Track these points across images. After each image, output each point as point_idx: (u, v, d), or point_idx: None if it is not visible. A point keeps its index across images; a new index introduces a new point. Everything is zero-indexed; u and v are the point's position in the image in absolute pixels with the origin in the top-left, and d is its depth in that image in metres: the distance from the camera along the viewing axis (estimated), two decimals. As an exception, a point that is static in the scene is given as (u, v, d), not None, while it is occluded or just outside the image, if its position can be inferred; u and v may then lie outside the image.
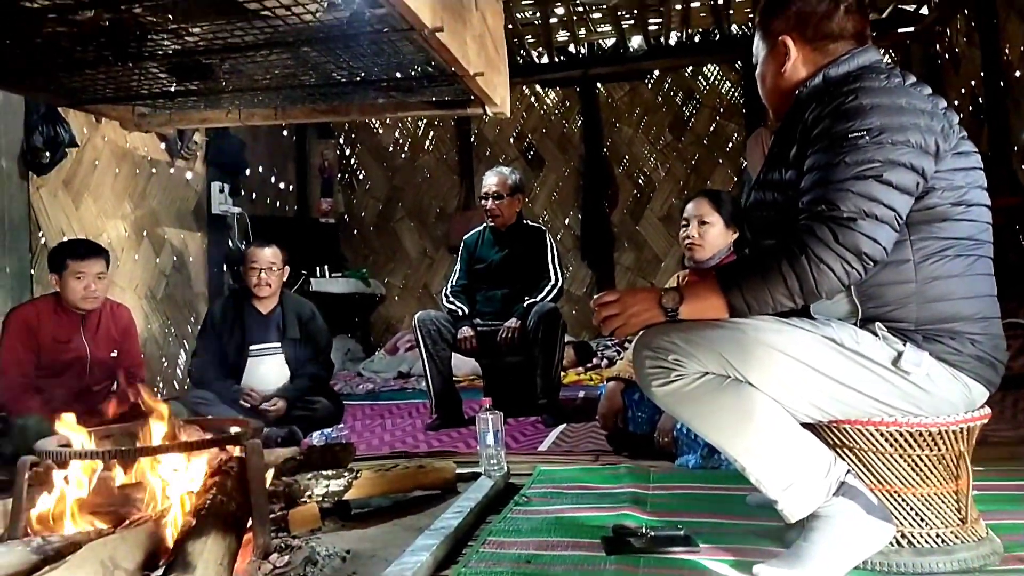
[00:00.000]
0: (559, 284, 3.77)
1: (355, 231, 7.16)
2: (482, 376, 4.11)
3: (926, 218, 1.44)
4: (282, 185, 6.75)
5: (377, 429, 3.72)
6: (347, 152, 7.23)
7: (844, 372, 1.43)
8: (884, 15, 5.68)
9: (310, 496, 1.93)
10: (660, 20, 5.95)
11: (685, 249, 2.71)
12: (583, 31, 6.23)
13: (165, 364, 4.95)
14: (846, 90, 1.46)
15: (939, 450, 1.47)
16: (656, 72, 6.55)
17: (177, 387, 4.93)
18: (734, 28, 6.07)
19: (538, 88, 6.80)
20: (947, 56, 5.48)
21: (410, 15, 1.86)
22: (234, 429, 1.84)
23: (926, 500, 1.48)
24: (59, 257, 3.01)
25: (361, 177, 7.23)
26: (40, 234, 3.92)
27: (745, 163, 5.68)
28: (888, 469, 1.49)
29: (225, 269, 5.36)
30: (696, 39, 6.27)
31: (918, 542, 1.47)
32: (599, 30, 6.24)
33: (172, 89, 2.52)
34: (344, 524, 1.92)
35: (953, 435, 1.46)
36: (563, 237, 6.55)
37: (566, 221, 6.73)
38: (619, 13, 5.82)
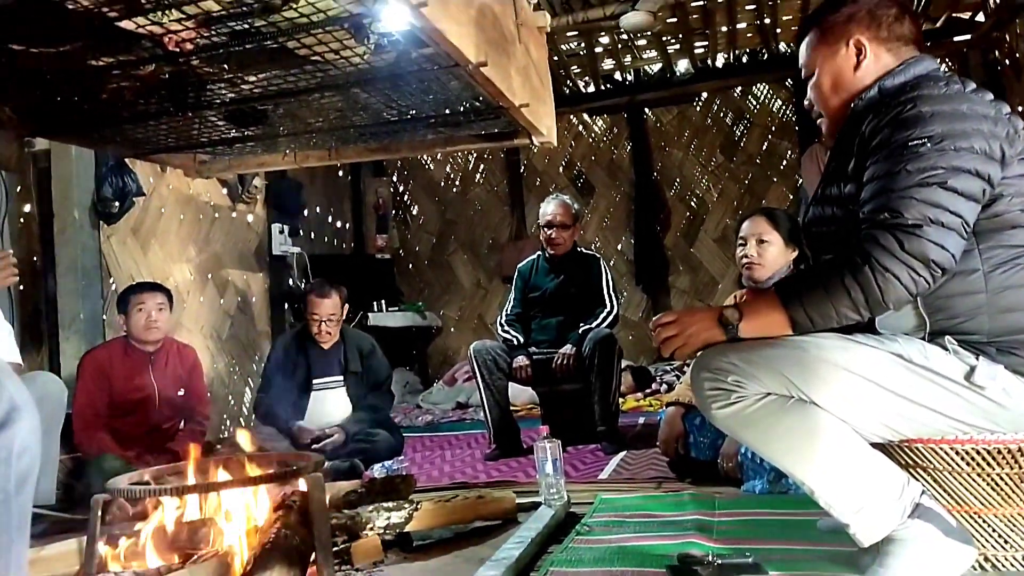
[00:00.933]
0: (615, 311, 3.75)
1: (410, 265, 7.27)
2: (539, 404, 4.08)
3: (995, 226, 1.39)
4: (339, 223, 6.91)
5: (437, 460, 3.72)
6: (400, 188, 7.37)
7: (914, 389, 1.38)
8: (938, 24, 5.54)
9: (372, 528, 1.93)
10: (706, 43, 5.93)
11: (743, 269, 2.65)
12: (628, 58, 6.25)
13: (232, 402, 5.08)
14: (904, 99, 1.43)
15: (1021, 468, 1.39)
16: (704, 94, 6.52)
17: (243, 424, 5.04)
18: (782, 46, 6.00)
19: (585, 117, 6.83)
20: (1007, 62, 5.30)
21: (455, 52, 1.89)
22: (296, 463, 1.87)
23: (1010, 521, 1.40)
24: (123, 296, 3.21)
25: (415, 212, 7.35)
26: (111, 280, 4.09)
27: (800, 181, 5.58)
28: (966, 489, 1.42)
29: (286, 308, 5.51)
30: (744, 59, 6.23)
31: (1003, 565, 1.39)
32: (645, 56, 6.25)
33: (230, 136, 2.62)
34: (406, 556, 1.92)
35: (1036, 452, 1.39)
36: (616, 263, 6.51)
37: (619, 247, 6.69)
38: (664, 38, 5.82)
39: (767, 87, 6.39)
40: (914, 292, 1.33)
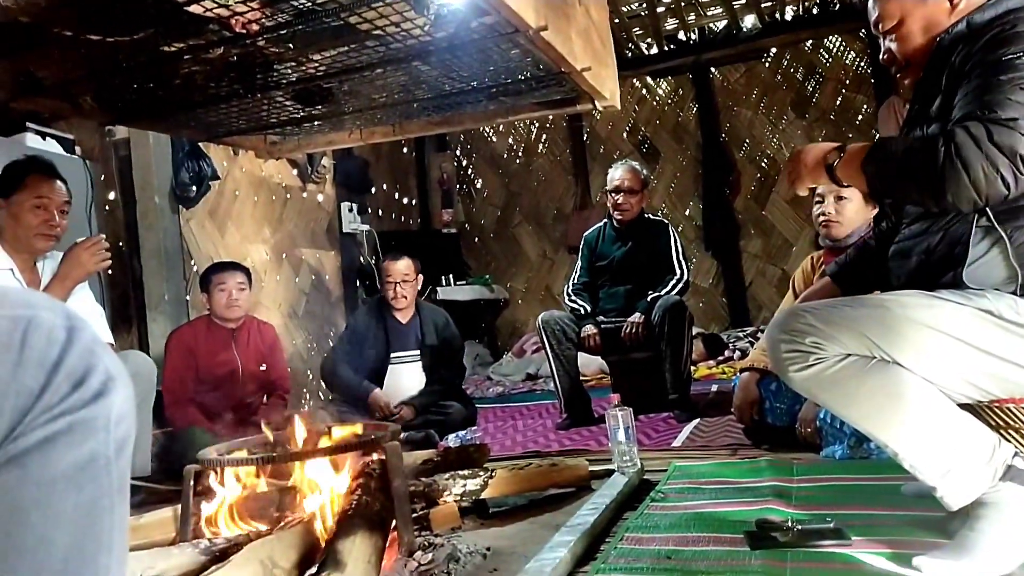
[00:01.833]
0: (685, 278, 3.69)
1: (476, 239, 7.31)
2: (609, 374, 4.08)
3: None
4: (405, 200, 6.99)
5: (509, 430, 3.76)
6: (464, 163, 7.40)
7: (1004, 346, 1.32)
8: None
9: (449, 495, 1.98)
10: (773, -4, 5.71)
11: (820, 227, 2.57)
12: (692, 16, 6.08)
13: (310, 376, 5.24)
14: (998, 25, 1.38)
15: (1125, 428, 1.32)
16: (773, 50, 6.29)
17: (322, 397, 5.21)
18: (855, -6, 5.73)
19: (649, 79, 6.69)
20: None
21: (514, 17, 1.87)
22: (375, 433, 1.92)
23: (1112, 484, 1.33)
24: (205, 277, 3.34)
25: (479, 185, 7.37)
26: (192, 262, 4.25)
27: (878, 135, 5.34)
28: (1065, 451, 1.35)
29: (358, 284, 5.64)
30: (814, 11, 5.97)
31: (1106, 530, 1.32)
32: (709, 13, 6.07)
33: (298, 115, 2.67)
34: (483, 522, 1.96)
35: None
36: (684, 228, 6.40)
37: (686, 212, 6.57)
38: (729, -7, 5.64)
39: (839, 39, 6.11)
40: (984, 190, 1.25)
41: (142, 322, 3.93)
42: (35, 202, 2.36)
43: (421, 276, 3.63)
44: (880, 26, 1.59)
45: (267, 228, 5.00)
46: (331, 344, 5.32)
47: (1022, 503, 1.26)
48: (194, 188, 4.03)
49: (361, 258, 5.68)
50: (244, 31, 1.82)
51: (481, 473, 2.04)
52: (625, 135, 6.78)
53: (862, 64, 6.04)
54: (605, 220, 3.96)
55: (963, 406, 1.37)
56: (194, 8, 1.70)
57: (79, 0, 1.64)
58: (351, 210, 5.63)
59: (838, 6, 5.84)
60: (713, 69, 6.45)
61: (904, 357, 1.34)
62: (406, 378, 3.52)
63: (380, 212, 6.50)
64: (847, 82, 6.09)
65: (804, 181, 1.52)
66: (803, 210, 5.85)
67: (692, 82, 6.49)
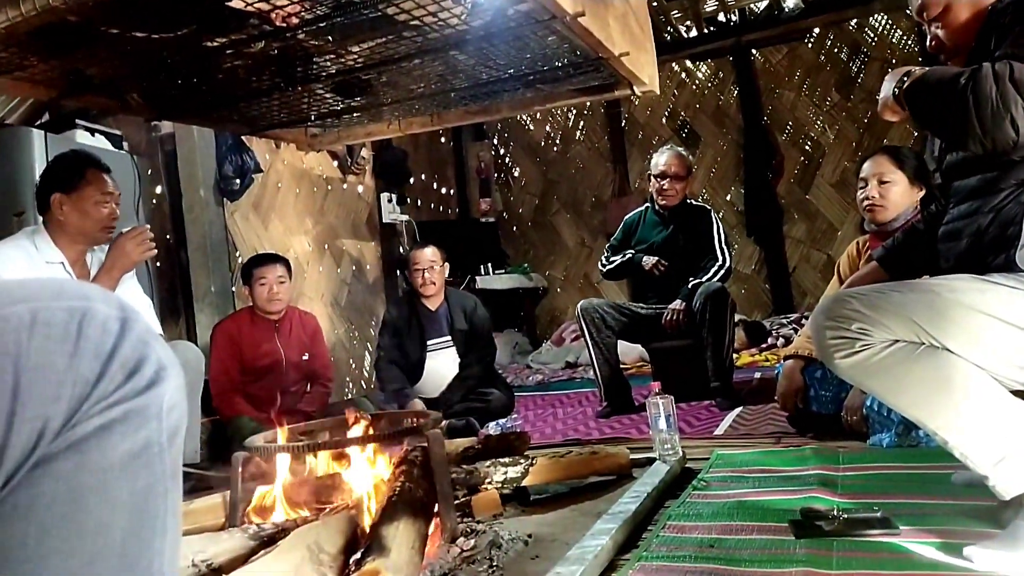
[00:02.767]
0: (727, 264, 3.64)
1: (514, 227, 7.31)
2: (650, 361, 4.05)
3: None
4: (443, 190, 7.03)
5: (549, 418, 3.77)
6: (501, 152, 7.40)
7: (1060, 332, 1.27)
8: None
9: (490, 483, 1.99)
10: (816, -26, 5.58)
11: (865, 212, 2.51)
12: (732, -3, 5.97)
13: (352, 365, 5.32)
14: None
15: None
16: (816, 30, 6.15)
17: (364, 386, 5.28)
18: (902, -30, 5.56)
19: (688, 63, 6.60)
20: None
21: (551, 4, 1.86)
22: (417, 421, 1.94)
23: None
24: (246, 269, 3.39)
25: (516, 174, 7.37)
26: (237, 254, 4.33)
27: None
28: (1126, 439, 1.30)
29: (398, 274, 5.69)
30: (859, -12, 5.82)
31: None
32: (749, -6, 5.95)
33: (338, 107, 2.69)
34: (524, 509, 1.97)
35: None
36: (725, 214, 6.31)
37: (727, 197, 6.47)
38: (770, -27, 5.52)
39: (885, 17, 5.95)
40: (989, 129, 1.24)
41: (189, 313, 4.03)
42: (100, 196, 2.43)
43: (448, 264, 3.65)
44: (925, 14, 1.55)
45: (309, 220, 5.07)
46: (372, 333, 5.40)
47: (1079, 493, 1.23)
48: (238, 181, 4.11)
49: (401, 248, 5.73)
50: (284, 24, 1.84)
51: (522, 461, 2.05)
52: (664, 120, 6.71)
53: (909, 42, 5.87)
54: (646, 205, 3.92)
55: (1016, 393, 1.33)
56: (235, 3, 1.72)
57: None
58: (390, 201, 5.68)
59: (884, -17, 5.68)
60: (754, 51, 6.33)
61: (954, 343, 1.31)
62: (442, 364, 3.56)
63: (419, 202, 6.54)
64: (893, 61, 5.92)
65: (885, 106, 1.48)
66: (848, 193, 5.72)
67: (733, 65, 6.38)
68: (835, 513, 1.59)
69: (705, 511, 1.78)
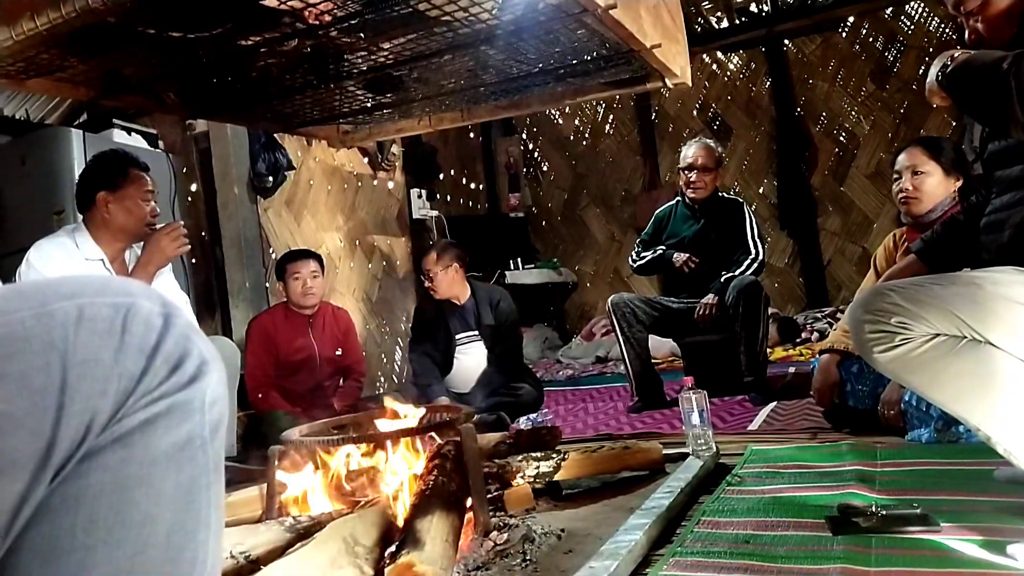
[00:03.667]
0: (761, 257, 3.60)
1: (543, 222, 7.30)
2: (681, 356, 4.02)
3: None
4: (472, 185, 7.04)
5: (580, 413, 3.76)
6: (530, 146, 7.39)
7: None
8: None
9: (522, 477, 1.99)
10: (851, -39, 5.47)
11: (900, 205, 2.47)
12: (764, -13, 5.89)
13: (384, 360, 5.36)
14: None
15: None
16: (851, 19, 6.03)
17: (396, 380, 5.32)
18: (940, -44, 5.43)
19: (719, 54, 6.52)
20: None
21: (582, -3, 1.85)
22: (450, 415, 1.95)
23: None
24: (280, 265, 3.42)
25: (545, 169, 7.35)
26: (271, 250, 4.39)
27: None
28: None
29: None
30: (894, -25, 5.70)
31: None
32: (782, -17, 5.86)
33: (369, 104, 2.71)
34: (556, 504, 1.97)
35: None
36: (758, 207, 6.23)
37: (760, 190, 6.39)
38: (803, -39, 5.43)
39: (921, 4, 5.82)
40: (1020, 118, 1.20)
41: (224, 309, 4.09)
42: (142, 194, 2.47)
43: (457, 264, 3.54)
44: (962, 7, 1.51)
45: (340, 216, 5.12)
46: (403, 329, 5.43)
47: None
48: (271, 178, 4.16)
49: (431, 243, 5.75)
50: (317, 22, 1.86)
51: (554, 455, 2.05)
52: (695, 112, 6.64)
53: (946, 30, 5.73)
54: (677, 198, 3.89)
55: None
56: (269, 2, 1.74)
57: (161, -1, 1.70)
58: (420, 196, 5.71)
59: (921, -31, 5.56)
60: (787, 41, 6.24)
61: (997, 336, 1.28)
62: (472, 359, 3.56)
63: (448, 198, 6.56)
64: (931, 50, 5.79)
65: (931, 91, 1.46)
66: (884, 185, 5.62)
67: (765, 55, 6.29)
68: (873, 509, 1.56)
69: (740, 507, 1.76)
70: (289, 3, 1.76)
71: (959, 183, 2.39)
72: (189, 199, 4.12)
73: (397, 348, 5.47)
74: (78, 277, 0.61)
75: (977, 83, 1.30)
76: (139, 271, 2.45)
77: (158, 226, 2.51)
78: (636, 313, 3.60)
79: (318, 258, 3.46)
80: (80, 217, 2.53)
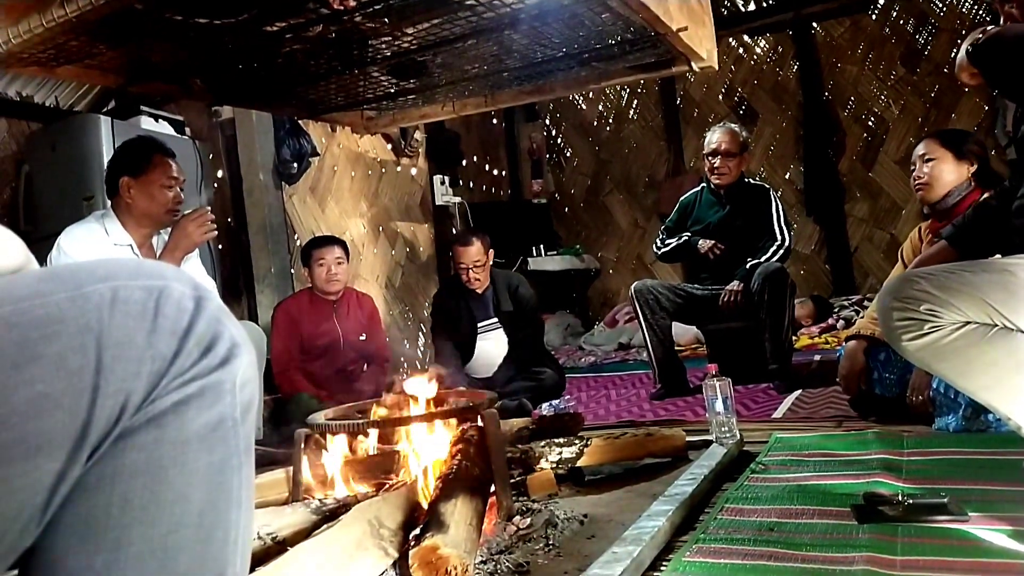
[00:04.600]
0: (787, 244, 3.56)
1: (566, 209, 7.27)
2: (705, 343, 4.00)
3: None
4: (495, 171, 7.03)
5: (602, 400, 3.76)
6: (553, 132, 7.35)
7: None
8: None
9: (545, 463, 2.00)
10: (882, -59, 5.36)
11: (916, 193, 2.48)
12: (792, -31, 5.79)
13: (407, 345, 5.39)
14: None
15: None
16: (881, 1, 5.91)
17: (418, 365, 5.35)
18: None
19: (746, 38, 6.42)
20: None
21: (607, -20, 1.83)
22: (474, 400, 1.96)
23: None
24: (305, 251, 3.46)
25: (568, 155, 7.31)
26: (295, 236, 4.42)
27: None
28: None
29: (450, 255, 5.74)
30: (927, -45, 5.58)
31: None
32: (810, -35, 5.76)
33: (393, 90, 2.71)
34: (579, 490, 1.97)
35: None
36: (784, 192, 6.15)
37: (786, 175, 6.31)
38: (833, -58, 5.33)
39: (956, -15, 5.70)
40: None
41: (250, 294, 4.14)
42: (166, 180, 2.50)
43: (492, 252, 3.58)
44: None
45: (364, 202, 5.14)
46: (426, 315, 5.46)
47: None
48: (295, 165, 4.19)
49: (453, 230, 5.76)
50: (341, 7, 1.86)
51: (576, 441, 2.06)
52: (721, 97, 6.56)
53: (979, 11, 5.60)
54: (703, 184, 3.86)
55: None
56: (294, -13, 1.75)
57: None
58: (443, 183, 5.71)
59: (955, -51, 5.43)
60: (815, 24, 6.13)
61: (1030, 324, 1.26)
62: (493, 346, 3.57)
63: (471, 184, 6.56)
64: (963, 32, 5.65)
65: (960, 67, 1.44)
66: (914, 171, 5.52)
67: (792, 39, 6.20)
68: (900, 498, 1.55)
69: (764, 495, 1.75)
70: (314, -11, 1.76)
71: (973, 168, 2.37)
72: (215, 185, 4.16)
73: (419, 334, 5.51)
74: (112, 260, 0.62)
75: (1009, 55, 1.27)
76: (166, 256, 2.48)
77: (185, 212, 2.54)
78: (659, 300, 3.58)
79: (343, 244, 3.48)
80: (109, 203, 2.56)
